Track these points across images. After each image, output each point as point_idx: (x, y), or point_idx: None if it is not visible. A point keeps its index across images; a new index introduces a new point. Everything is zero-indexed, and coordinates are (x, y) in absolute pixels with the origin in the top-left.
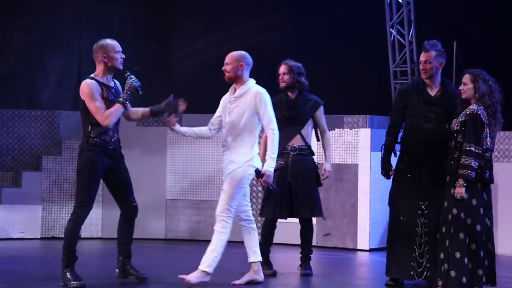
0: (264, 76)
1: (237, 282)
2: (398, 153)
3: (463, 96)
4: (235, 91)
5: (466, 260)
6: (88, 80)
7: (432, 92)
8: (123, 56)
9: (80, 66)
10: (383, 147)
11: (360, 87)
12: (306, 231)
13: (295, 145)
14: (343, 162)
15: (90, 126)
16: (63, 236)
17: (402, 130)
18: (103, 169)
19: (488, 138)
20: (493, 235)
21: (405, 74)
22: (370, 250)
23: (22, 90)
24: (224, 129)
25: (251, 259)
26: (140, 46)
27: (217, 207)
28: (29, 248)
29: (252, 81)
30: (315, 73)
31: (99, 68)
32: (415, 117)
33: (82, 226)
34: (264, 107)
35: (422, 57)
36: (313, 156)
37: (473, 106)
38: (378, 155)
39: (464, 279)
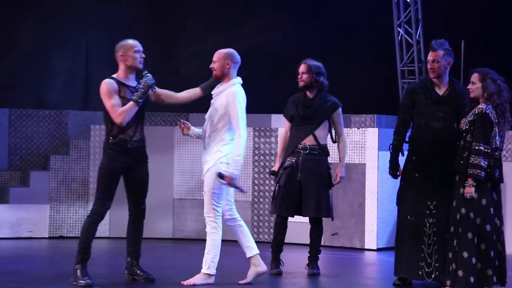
0: (273, 75)
1: (242, 281)
2: (406, 152)
3: (472, 95)
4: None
5: (474, 260)
6: (106, 79)
7: (440, 91)
8: (143, 55)
9: (87, 66)
10: (391, 146)
11: (368, 87)
12: (315, 230)
13: (306, 145)
14: (350, 162)
15: (111, 125)
16: (70, 235)
17: (410, 130)
18: (122, 168)
19: (497, 137)
20: (503, 234)
21: (412, 74)
22: (378, 250)
23: (29, 89)
24: (204, 125)
25: (248, 255)
26: (147, 46)
27: (204, 208)
28: (37, 248)
29: (236, 80)
30: None
31: (120, 67)
32: (423, 116)
33: None
34: (234, 108)
35: (430, 56)
36: (328, 157)
37: (482, 105)
38: (386, 154)
39: (472, 279)
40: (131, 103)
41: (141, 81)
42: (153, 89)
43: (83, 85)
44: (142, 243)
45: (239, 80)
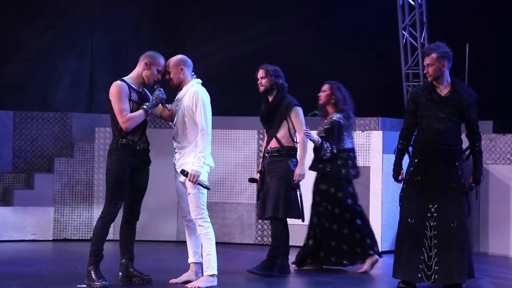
0: None
1: (174, 280)
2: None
3: (321, 101)
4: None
5: (333, 243)
6: (118, 82)
7: (442, 92)
8: (159, 77)
9: (92, 68)
10: (396, 150)
11: (372, 89)
12: (272, 231)
13: (269, 148)
14: None
15: (120, 127)
16: (75, 238)
17: (415, 133)
18: (131, 169)
19: (347, 139)
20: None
21: (417, 76)
22: (382, 253)
23: (34, 91)
24: (174, 129)
25: (191, 260)
26: (155, 48)
27: (190, 213)
28: (41, 250)
29: (194, 81)
30: (327, 75)
31: (137, 71)
32: (425, 118)
33: None
34: (197, 107)
35: (425, 61)
36: (293, 158)
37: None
38: (390, 157)
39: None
40: (140, 111)
41: (154, 93)
42: (164, 104)
43: (88, 88)
44: (146, 245)
45: (198, 80)
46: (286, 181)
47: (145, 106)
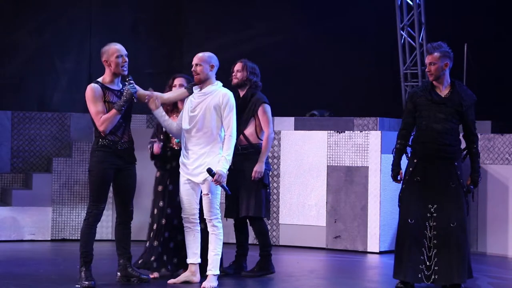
0: (273, 77)
1: (172, 280)
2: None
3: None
4: (201, 89)
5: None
6: (92, 84)
7: (442, 92)
8: (126, 60)
9: (90, 68)
10: (394, 150)
11: (370, 89)
12: (256, 230)
13: (238, 145)
14: (353, 165)
15: None
16: (73, 238)
17: (414, 133)
18: (113, 169)
19: None
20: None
21: (415, 77)
22: (380, 253)
23: (32, 92)
24: (186, 124)
25: (190, 260)
26: (152, 48)
27: (205, 213)
28: (39, 250)
29: (220, 83)
30: (325, 75)
31: (106, 71)
32: (424, 118)
33: None
34: (229, 110)
35: (427, 59)
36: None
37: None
38: (389, 157)
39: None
40: (113, 111)
41: (124, 88)
42: (135, 98)
43: (86, 88)
44: (145, 245)
45: (221, 83)
46: (256, 181)
47: (116, 106)
